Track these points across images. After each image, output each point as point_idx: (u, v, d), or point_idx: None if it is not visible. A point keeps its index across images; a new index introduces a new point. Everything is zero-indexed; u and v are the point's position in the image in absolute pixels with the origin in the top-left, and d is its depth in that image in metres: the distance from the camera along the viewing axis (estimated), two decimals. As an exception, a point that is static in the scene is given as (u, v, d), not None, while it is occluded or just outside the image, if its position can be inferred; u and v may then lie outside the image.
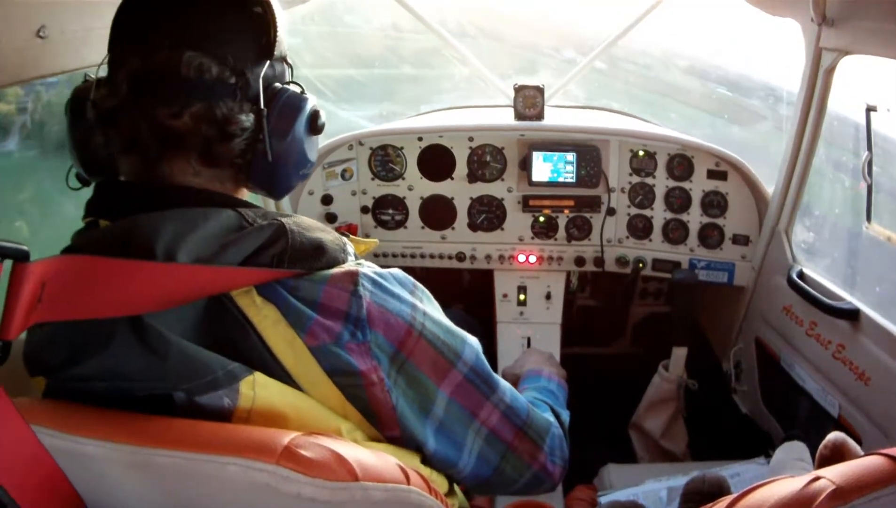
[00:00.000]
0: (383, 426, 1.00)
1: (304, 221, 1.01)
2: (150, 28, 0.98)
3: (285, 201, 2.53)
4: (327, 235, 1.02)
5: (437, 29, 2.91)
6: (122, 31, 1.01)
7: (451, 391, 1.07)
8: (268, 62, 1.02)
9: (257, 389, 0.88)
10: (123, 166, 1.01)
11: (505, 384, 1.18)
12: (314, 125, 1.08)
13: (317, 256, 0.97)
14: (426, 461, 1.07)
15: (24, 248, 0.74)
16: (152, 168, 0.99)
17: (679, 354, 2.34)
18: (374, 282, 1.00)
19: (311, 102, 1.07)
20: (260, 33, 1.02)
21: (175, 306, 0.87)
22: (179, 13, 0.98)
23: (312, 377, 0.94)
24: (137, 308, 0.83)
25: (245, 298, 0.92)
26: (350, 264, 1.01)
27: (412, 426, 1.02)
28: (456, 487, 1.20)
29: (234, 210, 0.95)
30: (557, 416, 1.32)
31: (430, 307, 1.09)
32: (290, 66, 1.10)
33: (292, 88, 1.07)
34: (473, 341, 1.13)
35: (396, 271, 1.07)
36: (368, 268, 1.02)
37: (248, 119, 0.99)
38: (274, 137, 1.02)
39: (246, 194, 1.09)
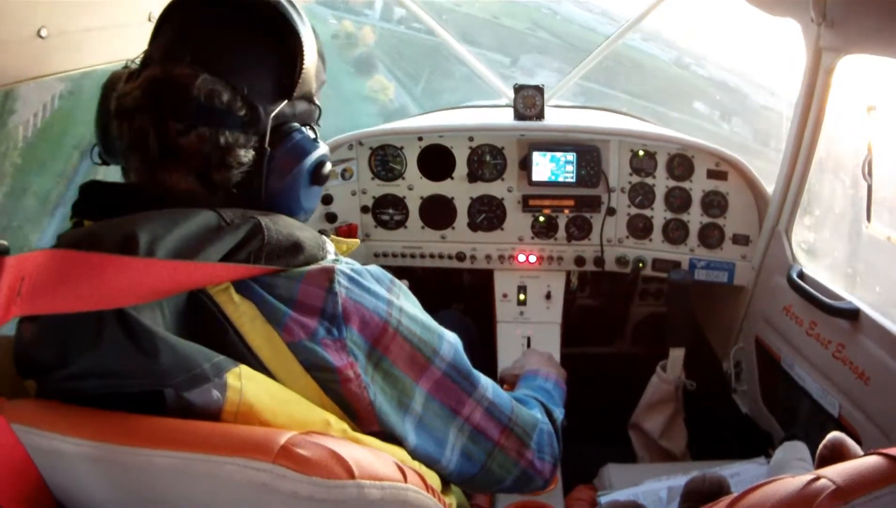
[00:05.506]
0: (361, 422, 0.99)
1: (283, 219, 1.01)
2: (178, 41, 0.99)
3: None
4: (305, 233, 1.02)
5: (437, 29, 2.92)
6: (157, 35, 1.02)
7: (429, 388, 1.07)
8: (285, 101, 1.02)
9: (244, 381, 0.88)
10: (130, 162, 1.02)
11: (486, 380, 1.17)
12: (317, 175, 1.08)
13: (294, 253, 0.98)
14: (410, 456, 1.06)
15: (3, 242, 0.74)
16: (152, 173, 0.99)
17: (676, 355, 2.33)
18: (350, 279, 1.00)
19: (321, 151, 1.07)
20: (284, 71, 1.02)
21: (155, 300, 0.87)
22: (208, 33, 0.99)
23: (290, 371, 0.94)
24: (117, 302, 0.83)
25: (223, 295, 0.92)
26: (327, 261, 1.01)
27: (391, 421, 1.01)
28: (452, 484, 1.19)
29: (214, 210, 0.95)
30: (549, 414, 1.31)
31: (407, 303, 1.08)
32: (317, 106, 1.09)
33: (306, 131, 1.05)
34: (452, 337, 1.13)
35: (374, 267, 1.07)
36: (345, 265, 1.02)
37: (247, 154, 1.00)
38: (272, 178, 1.02)
39: None
